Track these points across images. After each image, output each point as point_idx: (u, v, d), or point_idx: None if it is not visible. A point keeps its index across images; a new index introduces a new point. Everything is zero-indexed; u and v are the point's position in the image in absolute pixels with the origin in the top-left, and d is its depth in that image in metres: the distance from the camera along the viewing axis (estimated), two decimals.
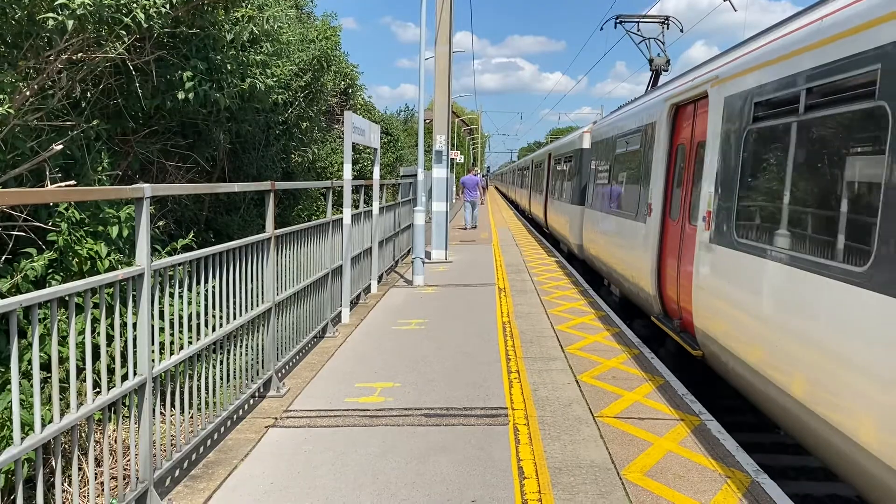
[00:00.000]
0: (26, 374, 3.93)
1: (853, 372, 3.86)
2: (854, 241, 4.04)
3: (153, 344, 3.94)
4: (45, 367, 3.46)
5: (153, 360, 3.95)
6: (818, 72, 4.62)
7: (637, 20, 14.68)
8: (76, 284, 3.24)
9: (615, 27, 14.79)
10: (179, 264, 4.31)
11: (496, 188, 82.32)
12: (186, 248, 6.19)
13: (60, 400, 3.64)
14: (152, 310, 3.92)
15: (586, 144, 16.07)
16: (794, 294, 4.72)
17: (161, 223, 7.23)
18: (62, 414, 3.17)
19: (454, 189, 40.17)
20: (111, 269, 5.69)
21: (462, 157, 57.76)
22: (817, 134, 4.70)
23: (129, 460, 3.76)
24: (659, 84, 12.28)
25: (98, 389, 3.58)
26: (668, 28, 14.54)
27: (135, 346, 3.77)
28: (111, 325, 3.76)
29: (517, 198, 41.78)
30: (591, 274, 13.99)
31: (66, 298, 3.18)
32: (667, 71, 14.03)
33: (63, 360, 3.90)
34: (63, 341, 4.05)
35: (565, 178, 18.71)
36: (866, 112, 4.05)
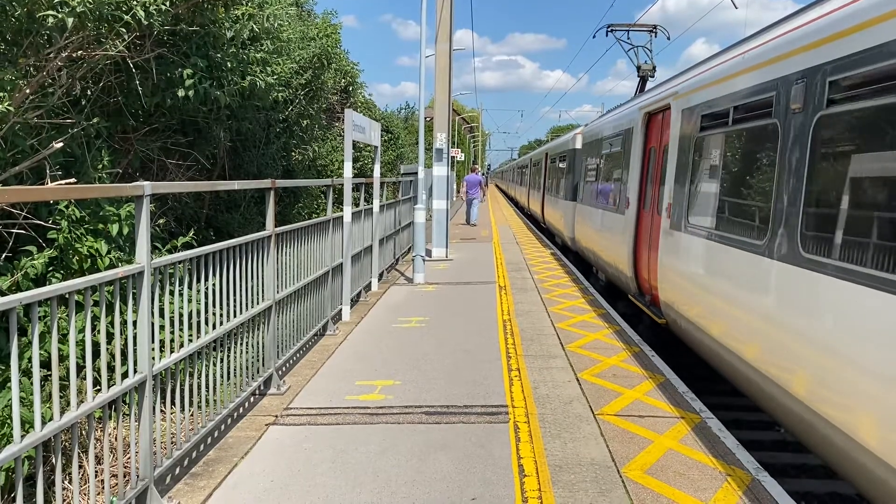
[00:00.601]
0: (27, 373, 3.93)
1: (761, 320, 5.16)
2: (759, 223, 5.42)
3: (153, 342, 3.94)
4: (46, 365, 3.46)
5: (153, 358, 3.95)
6: (740, 94, 6.06)
7: (627, 28, 15.90)
8: (76, 282, 3.24)
9: (606, 35, 16.02)
10: (179, 262, 4.31)
11: (496, 186, 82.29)
12: (187, 246, 6.19)
13: (61, 398, 3.64)
14: (152, 307, 3.92)
15: (578, 145, 17.25)
16: (723, 265, 6.13)
17: (161, 221, 7.22)
18: (62, 412, 3.17)
19: (455, 187, 40.44)
20: (111, 267, 5.69)
21: (463, 155, 57.70)
22: (739, 142, 6.17)
23: (129, 458, 3.76)
24: (646, 89, 13.26)
25: (98, 387, 3.58)
26: (655, 36, 15.88)
27: (135, 343, 3.77)
28: (111, 323, 3.76)
29: (517, 195, 43.77)
30: (583, 265, 15.16)
31: (66, 296, 3.18)
32: (653, 77, 15.25)
33: (63, 358, 3.90)
34: (63, 339, 4.05)
35: (560, 176, 19.94)
36: (766, 126, 5.44)
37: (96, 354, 3.90)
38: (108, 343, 4.02)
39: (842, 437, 3.95)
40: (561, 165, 20.08)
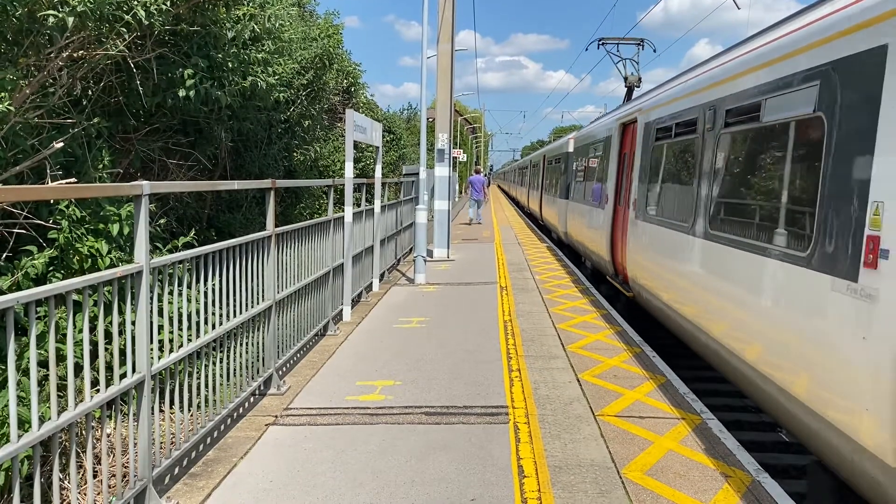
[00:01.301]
0: (26, 372, 3.93)
1: (693, 285, 6.89)
2: (687, 211, 7.18)
3: (152, 342, 3.93)
4: (45, 364, 3.45)
5: (152, 358, 3.95)
6: (679, 114, 7.96)
7: (616, 42, 17.44)
8: (74, 281, 3.23)
9: (598, 48, 17.58)
10: (179, 262, 4.31)
11: (498, 186, 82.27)
12: (188, 246, 6.19)
13: (61, 397, 3.64)
14: (151, 307, 3.92)
15: (570, 149, 19.02)
16: (666, 244, 7.98)
17: (162, 221, 7.21)
18: (60, 412, 3.17)
19: (457, 187, 40.69)
20: (112, 266, 5.69)
21: (465, 155, 57.66)
22: (677, 150, 8.05)
23: (127, 458, 3.76)
24: (632, 98, 14.71)
25: (97, 387, 3.58)
26: (643, 49, 17.39)
27: (133, 343, 3.76)
28: (110, 323, 3.76)
29: (517, 194, 46.54)
30: (574, 256, 16.93)
31: (65, 295, 3.18)
32: (638, 87, 16.76)
33: (62, 358, 3.89)
34: (63, 339, 4.05)
35: (555, 176, 22.02)
36: (693, 140, 7.34)
37: (96, 354, 3.90)
38: (108, 343, 4.01)
39: (733, 357, 5.73)
40: (556, 167, 21.94)
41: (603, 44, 17.55)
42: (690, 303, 6.95)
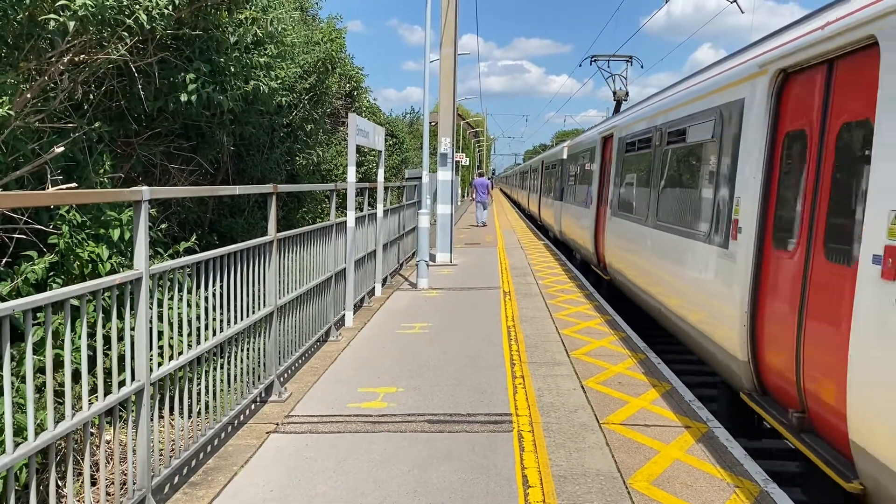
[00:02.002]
0: (24, 380, 3.88)
1: (645, 261, 9.16)
2: (643, 209, 9.46)
3: (152, 349, 3.88)
4: (43, 372, 3.40)
5: (152, 366, 3.89)
6: (639, 132, 10.29)
7: (608, 59, 19.78)
8: (72, 289, 3.18)
9: (591, 64, 20.05)
10: (179, 268, 4.26)
11: (500, 190, 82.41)
12: (189, 251, 6.14)
13: (60, 404, 3.58)
14: (151, 314, 3.86)
15: (564, 156, 20.77)
16: (630, 233, 10.21)
17: (164, 226, 7.17)
18: (58, 421, 3.11)
19: (459, 191, 41.18)
20: (112, 272, 5.64)
21: (467, 159, 57.68)
22: (639, 161, 10.24)
23: (126, 467, 3.70)
24: (620, 111, 16.72)
25: (96, 394, 3.53)
26: (631, 65, 19.81)
27: (133, 351, 3.71)
28: (109, 330, 3.71)
29: (518, 198, 49.40)
30: (567, 251, 19.10)
31: (63, 302, 3.13)
32: (626, 101, 18.91)
33: (60, 366, 3.85)
34: (61, 345, 4.00)
35: (552, 180, 24.08)
36: (647, 153, 9.62)
37: (95, 361, 3.85)
38: (107, 348, 3.96)
39: (665, 308, 8.11)
40: (552, 172, 24.10)
41: (595, 60, 19.88)
42: (643, 275, 9.31)
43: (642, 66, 20.42)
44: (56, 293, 3.03)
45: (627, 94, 19.29)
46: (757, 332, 5.55)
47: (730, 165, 6.21)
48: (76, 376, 3.38)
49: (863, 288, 3.92)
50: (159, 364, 4.03)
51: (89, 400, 3.34)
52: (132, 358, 3.70)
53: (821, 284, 4.62)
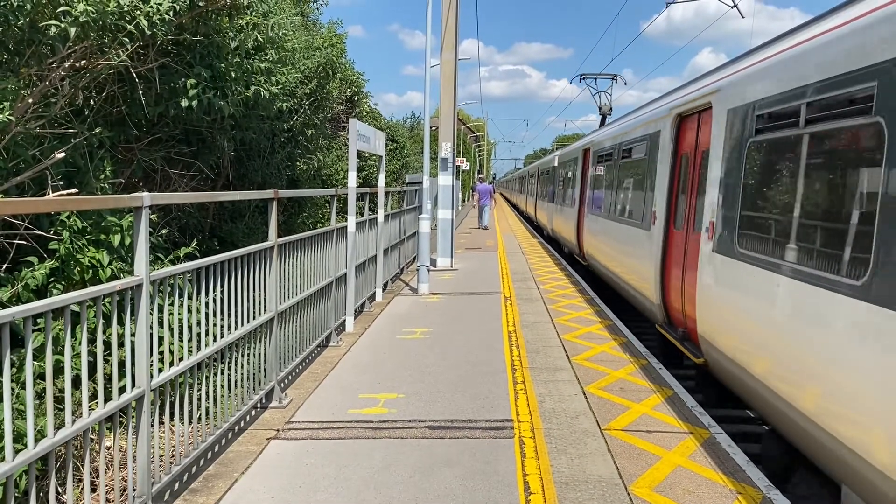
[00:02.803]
0: (24, 386, 3.87)
1: (604, 244, 12.47)
2: (606, 206, 12.53)
3: (152, 355, 3.87)
4: (43, 378, 3.39)
5: (153, 372, 3.88)
6: (607, 148, 13.07)
7: (595, 76, 23.17)
8: (72, 295, 3.17)
9: (580, 82, 23.82)
10: (180, 274, 4.25)
11: (501, 194, 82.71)
12: (190, 257, 6.14)
13: (60, 410, 3.57)
14: (151, 320, 3.85)
15: (556, 164, 23.96)
16: (598, 225, 13.08)
17: (164, 231, 7.16)
18: (57, 428, 3.10)
19: (460, 196, 41.86)
20: (113, 278, 5.63)
21: (468, 164, 57.72)
22: (606, 170, 12.99)
23: (126, 474, 3.69)
24: (605, 124, 19.56)
25: (96, 400, 3.52)
26: (615, 82, 23.13)
27: (133, 357, 3.70)
28: (109, 336, 3.70)
29: (517, 201, 53.23)
30: (556, 246, 22.35)
31: (63, 309, 3.12)
32: (610, 114, 22.13)
33: (60, 372, 3.83)
34: (61, 351, 3.99)
35: (545, 185, 27.41)
36: (610, 164, 12.67)
37: (95, 367, 3.84)
38: (107, 354, 3.95)
39: (619, 278, 10.97)
40: (546, 178, 27.28)
41: (583, 78, 23.52)
42: (606, 256, 12.32)
43: (625, 83, 23.67)
44: (57, 300, 3.02)
45: (611, 109, 22.54)
46: (664, 284, 8.30)
47: (653, 175, 9.14)
48: (76, 382, 3.37)
49: (702, 246, 6.69)
50: (160, 370, 4.01)
51: (89, 406, 3.33)
52: (133, 364, 3.69)
53: (690, 248, 7.32)
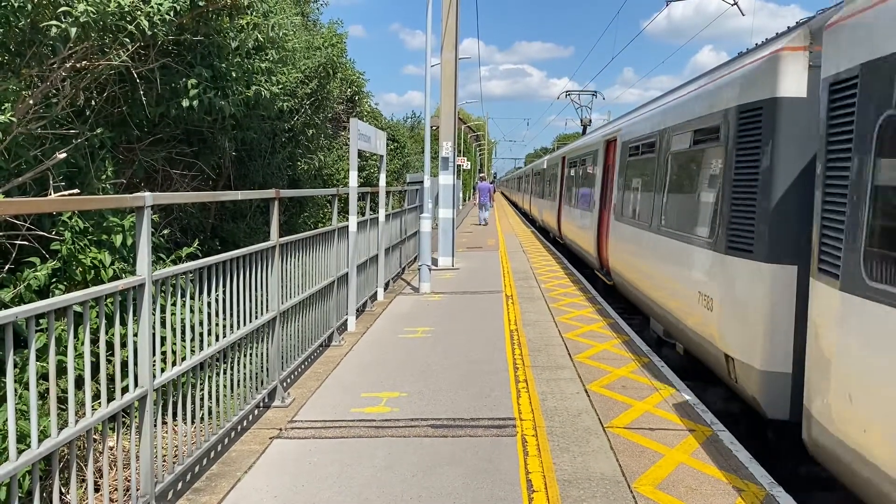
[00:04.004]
0: (27, 387, 3.87)
1: (571, 225, 18.02)
2: (571, 197, 18.62)
3: (155, 355, 3.87)
4: (47, 377, 3.40)
5: (155, 371, 3.89)
6: (573, 157, 19.53)
7: (578, 93, 31.74)
8: (75, 295, 3.18)
9: (566, 97, 31.46)
10: (182, 273, 4.25)
11: (501, 193, 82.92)
12: (192, 257, 6.14)
13: (63, 410, 3.58)
14: (154, 320, 3.86)
15: (545, 166, 28.73)
16: (575, 216, 17.23)
17: (166, 231, 7.16)
18: (61, 428, 3.10)
19: (461, 195, 43.03)
20: (115, 278, 5.63)
21: (469, 163, 57.74)
22: (574, 174, 18.77)
23: (129, 474, 3.69)
24: (585, 133, 27.20)
25: (99, 400, 3.52)
26: (595, 97, 32.03)
27: (136, 357, 3.70)
28: (112, 336, 3.70)
29: (515, 199, 59.18)
30: (546, 234, 26.96)
31: (66, 309, 3.12)
32: (590, 125, 29.04)
33: (63, 372, 3.84)
34: (63, 351, 3.99)
35: (537, 184, 32.37)
36: (575, 169, 18.86)
37: (98, 367, 3.85)
38: (110, 354, 3.95)
39: (577, 246, 17.10)
40: (538, 178, 32.15)
41: (568, 94, 31.09)
42: (572, 234, 17.35)
43: (603, 98, 31.04)
44: (59, 300, 3.03)
45: (591, 121, 31.14)
46: (599, 244, 13.20)
47: (596, 178, 14.37)
48: (79, 383, 3.37)
49: (611, 218, 11.88)
50: (162, 370, 4.02)
51: (92, 406, 3.34)
52: (135, 364, 3.69)
53: (605, 220, 12.52)
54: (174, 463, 4.18)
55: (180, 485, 4.30)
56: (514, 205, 58.98)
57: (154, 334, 3.87)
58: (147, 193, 3.70)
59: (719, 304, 6.18)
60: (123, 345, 3.65)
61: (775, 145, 5.54)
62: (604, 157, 13.70)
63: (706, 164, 6.95)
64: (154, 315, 3.87)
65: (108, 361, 3.96)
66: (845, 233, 4.00)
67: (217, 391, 4.77)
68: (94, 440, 3.49)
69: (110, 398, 3.48)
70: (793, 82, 5.33)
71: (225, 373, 4.92)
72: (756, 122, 5.72)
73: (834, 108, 4.28)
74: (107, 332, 4.07)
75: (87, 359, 3.31)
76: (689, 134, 7.63)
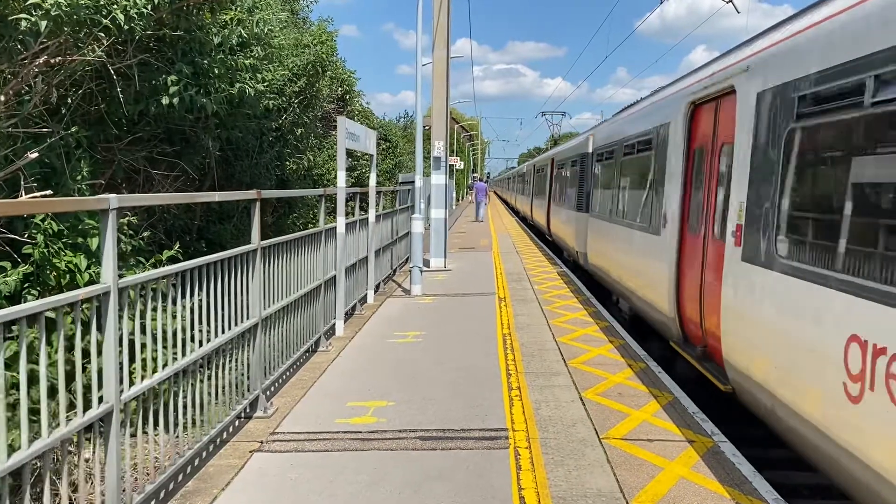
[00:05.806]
0: None
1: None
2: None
3: (122, 369, 3.62)
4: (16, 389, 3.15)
5: (123, 386, 3.64)
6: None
7: (551, 113, 42.50)
8: (29, 306, 2.93)
9: (543, 117, 41.94)
10: (153, 280, 4.01)
11: (494, 192, 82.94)
12: (173, 260, 5.88)
13: (34, 422, 3.33)
14: (120, 331, 3.61)
15: (533, 168, 32.21)
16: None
17: (146, 234, 6.91)
18: (10, 453, 2.85)
19: (454, 195, 44.44)
20: (91, 282, 5.38)
21: (462, 163, 57.55)
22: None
23: (93, 495, 3.45)
24: (555, 146, 32.18)
25: (74, 411, 3.28)
26: (565, 117, 42.16)
27: (100, 371, 3.45)
28: (75, 350, 3.45)
29: (508, 198, 61.31)
30: (534, 228, 29.23)
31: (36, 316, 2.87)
32: (558, 140, 38.20)
33: (13, 389, 3.59)
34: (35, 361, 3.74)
35: (526, 184, 35.78)
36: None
37: (69, 378, 3.59)
38: (86, 363, 3.71)
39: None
40: (527, 179, 35.40)
41: (544, 114, 40.39)
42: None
43: (570, 117, 35.00)
44: (11, 311, 2.78)
45: (560, 136, 39.71)
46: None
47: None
48: (51, 393, 3.13)
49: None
50: (131, 384, 3.77)
51: (51, 425, 3.09)
52: (100, 379, 3.44)
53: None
54: (146, 481, 3.93)
55: (153, 503, 4.05)
56: (506, 203, 62.61)
57: (121, 346, 3.62)
58: (112, 196, 3.45)
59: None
60: (100, 352, 3.40)
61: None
62: (580, 162, 16.54)
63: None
64: (121, 327, 3.62)
65: (84, 370, 3.71)
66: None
67: (193, 403, 4.52)
68: (54, 461, 3.23)
69: (69, 419, 3.22)
70: (589, 159, 14.55)
71: (202, 383, 4.67)
72: (582, 165, 15.59)
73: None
74: (67, 348, 3.82)
75: (44, 375, 3.05)
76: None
